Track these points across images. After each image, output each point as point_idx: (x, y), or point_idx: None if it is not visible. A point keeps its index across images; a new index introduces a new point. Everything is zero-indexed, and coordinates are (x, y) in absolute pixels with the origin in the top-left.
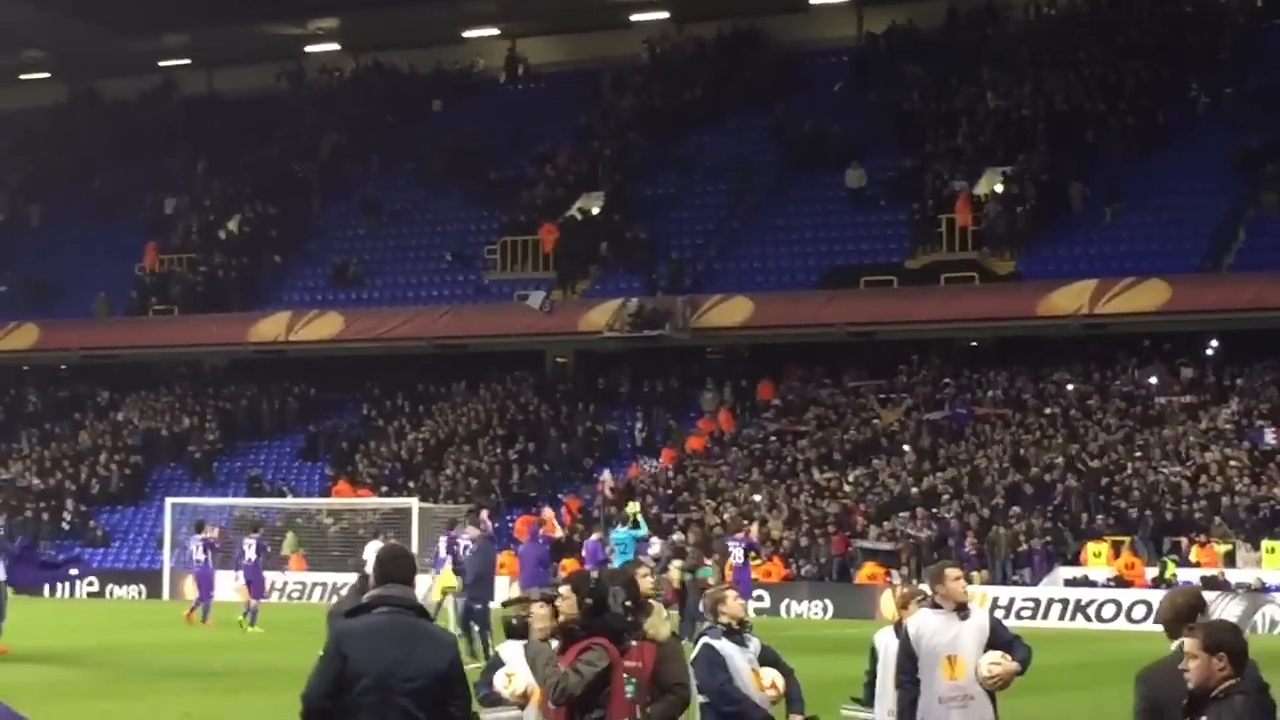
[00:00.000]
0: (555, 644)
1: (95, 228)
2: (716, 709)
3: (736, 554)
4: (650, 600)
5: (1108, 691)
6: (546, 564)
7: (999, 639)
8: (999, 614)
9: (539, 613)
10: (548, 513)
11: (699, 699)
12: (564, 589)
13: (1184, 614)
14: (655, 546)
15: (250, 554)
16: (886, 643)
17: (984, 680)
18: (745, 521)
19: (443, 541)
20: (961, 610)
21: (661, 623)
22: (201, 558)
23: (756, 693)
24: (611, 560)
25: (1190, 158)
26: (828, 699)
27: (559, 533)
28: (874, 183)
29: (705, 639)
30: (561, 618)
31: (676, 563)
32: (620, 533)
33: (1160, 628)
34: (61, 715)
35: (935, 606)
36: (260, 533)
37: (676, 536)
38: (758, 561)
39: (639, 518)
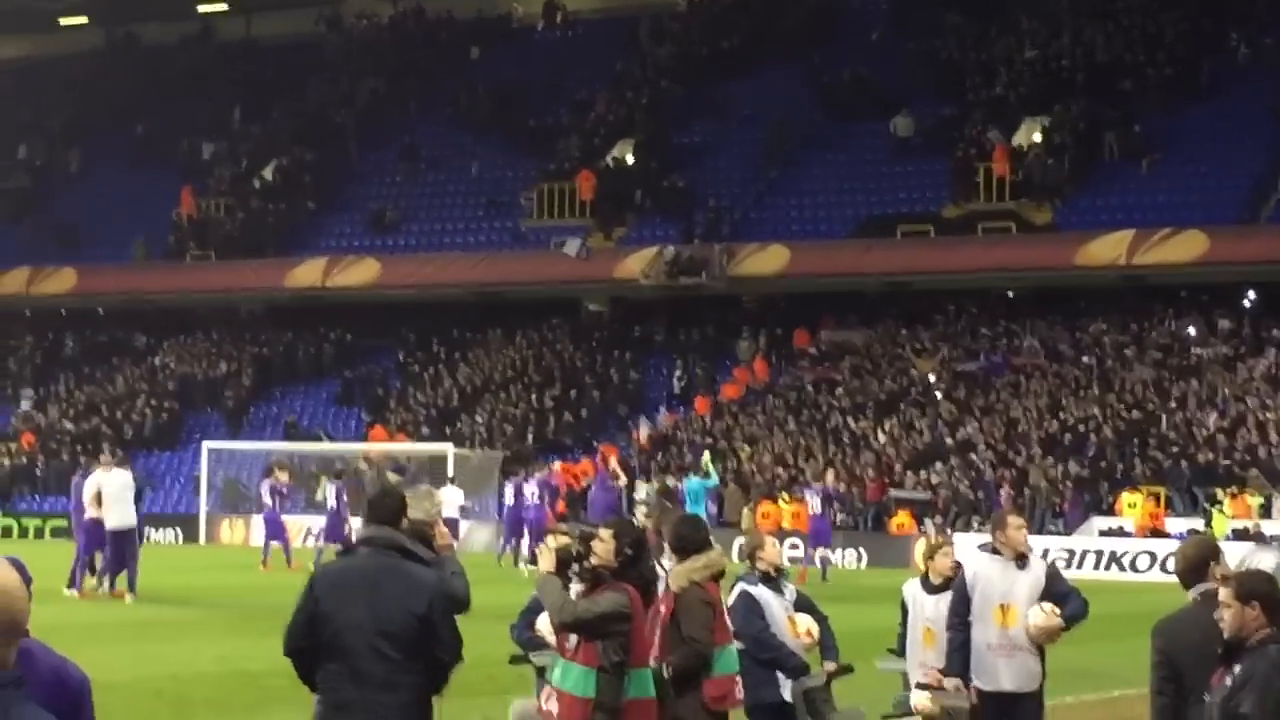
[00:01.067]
0: (577, 586)
1: (133, 173)
2: (753, 655)
3: (814, 503)
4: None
5: (1140, 643)
6: (616, 509)
7: (1054, 590)
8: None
9: (548, 549)
10: (613, 460)
11: (735, 645)
12: (605, 532)
13: (1195, 565)
14: (642, 492)
15: (331, 500)
16: (914, 594)
17: (1029, 632)
18: (822, 470)
19: (509, 487)
20: (1021, 560)
21: (681, 572)
22: (270, 502)
23: (792, 640)
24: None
25: (1229, 108)
26: (862, 648)
27: (623, 480)
28: (913, 132)
29: (742, 585)
30: (594, 560)
31: (642, 509)
32: (693, 482)
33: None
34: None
35: (995, 553)
36: (343, 479)
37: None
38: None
39: (711, 468)
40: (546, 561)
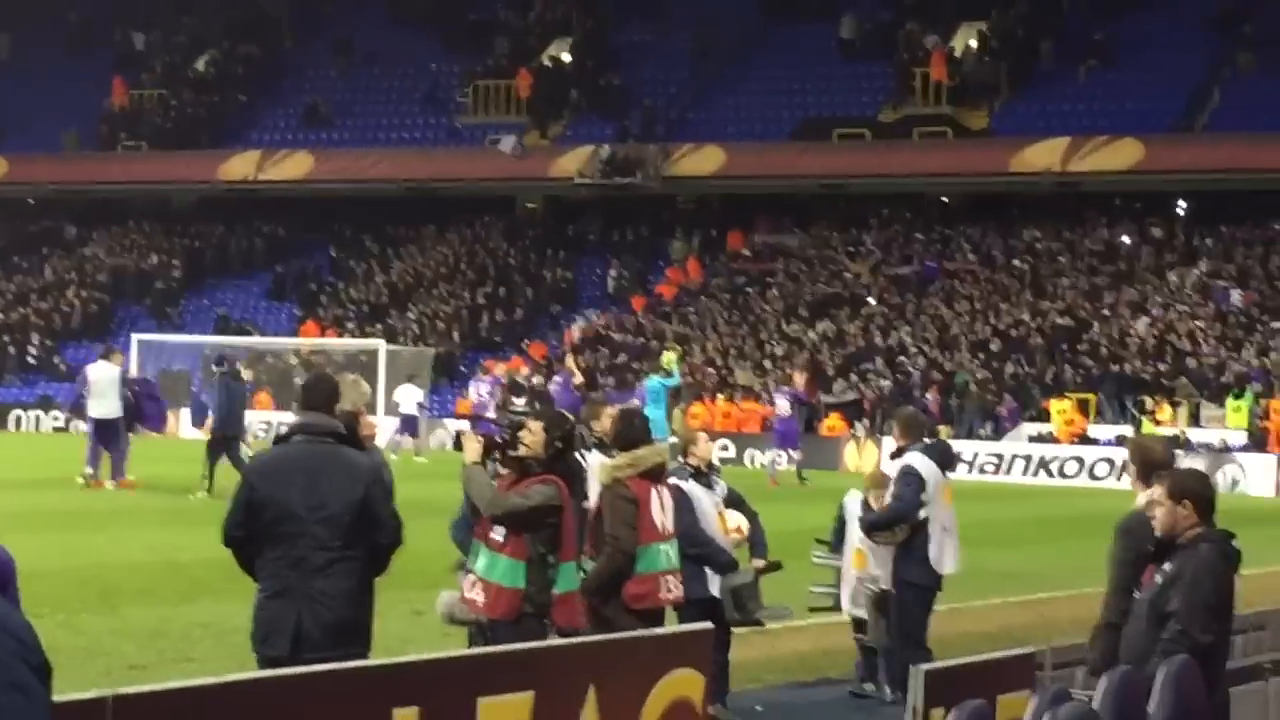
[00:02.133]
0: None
1: (64, 61)
2: (682, 550)
3: (782, 406)
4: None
5: (1069, 545)
6: (578, 411)
7: None
8: (962, 469)
9: (471, 438)
10: (570, 360)
11: (663, 544)
12: (535, 424)
13: (1162, 461)
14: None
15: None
16: (854, 513)
17: None
18: (791, 373)
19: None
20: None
21: (606, 468)
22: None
23: (721, 536)
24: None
25: (1167, 16)
26: (792, 546)
27: (580, 379)
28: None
29: (673, 480)
30: (523, 450)
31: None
32: (653, 381)
33: (1122, 483)
34: (21, 545)
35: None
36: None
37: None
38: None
39: (673, 366)
40: (472, 451)
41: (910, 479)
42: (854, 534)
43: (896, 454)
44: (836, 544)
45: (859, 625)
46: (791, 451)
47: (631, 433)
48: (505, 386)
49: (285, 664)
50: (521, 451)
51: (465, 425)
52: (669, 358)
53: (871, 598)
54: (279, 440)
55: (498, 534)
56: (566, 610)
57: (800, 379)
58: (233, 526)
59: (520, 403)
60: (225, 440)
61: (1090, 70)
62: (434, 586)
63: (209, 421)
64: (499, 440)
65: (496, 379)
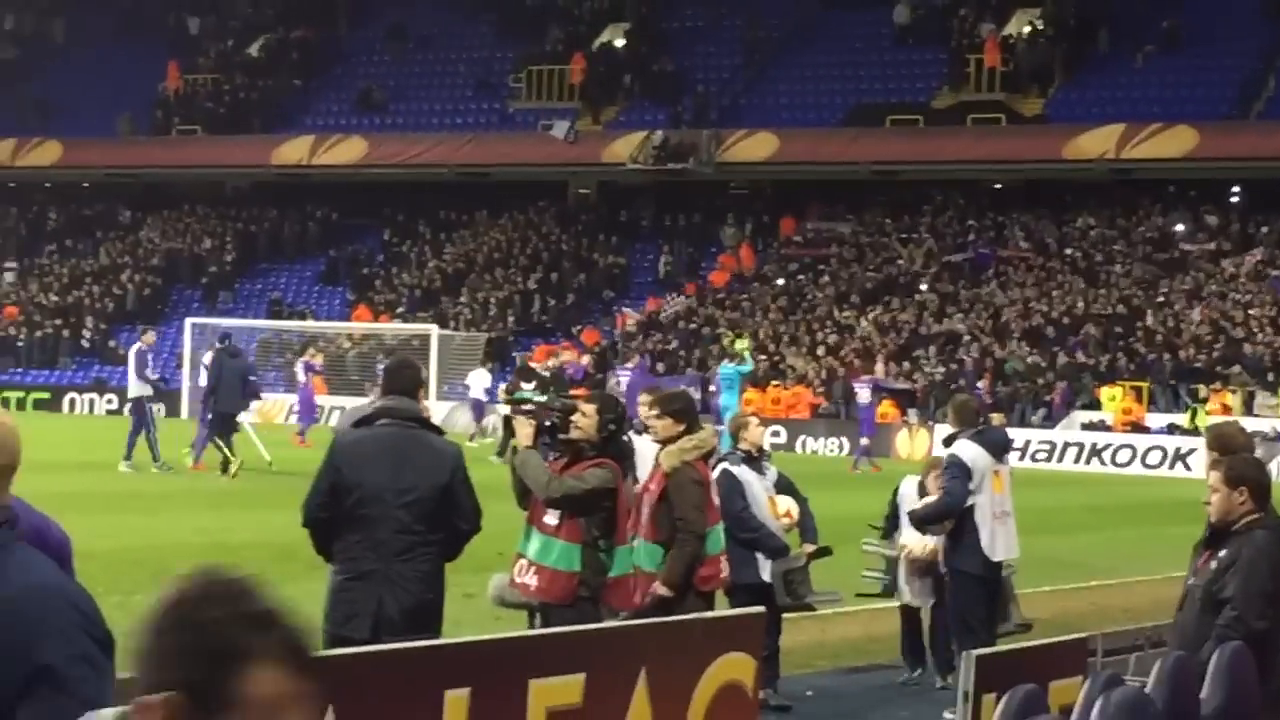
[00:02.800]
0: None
1: (118, 45)
2: (733, 535)
3: (863, 394)
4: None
5: (1122, 533)
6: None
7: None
8: (1014, 456)
9: (524, 424)
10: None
11: (721, 525)
12: (588, 406)
13: (1240, 450)
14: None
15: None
16: (909, 497)
17: None
18: (869, 362)
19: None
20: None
21: (672, 452)
22: (304, 379)
23: (772, 520)
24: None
25: (1223, 3)
26: (842, 532)
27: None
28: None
29: (725, 465)
30: (575, 433)
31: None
32: (727, 368)
33: (1175, 470)
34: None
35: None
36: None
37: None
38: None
39: (747, 354)
40: (525, 435)
41: (956, 470)
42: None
43: (949, 441)
44: (889, 530)
45: (908, 614)
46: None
47: (691, 415)
48: (518, 370)
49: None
50: (574, 434)
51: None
52: (742, 344)
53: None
54: (362, 423)
55: (552, 518)
56: (620, 593)
57: (881, 368)
58: (316, 508)
59: (529, 387)
60: (222, 418)
61: (1146, 57)
62: (485, 570)
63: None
64: (550, 424)
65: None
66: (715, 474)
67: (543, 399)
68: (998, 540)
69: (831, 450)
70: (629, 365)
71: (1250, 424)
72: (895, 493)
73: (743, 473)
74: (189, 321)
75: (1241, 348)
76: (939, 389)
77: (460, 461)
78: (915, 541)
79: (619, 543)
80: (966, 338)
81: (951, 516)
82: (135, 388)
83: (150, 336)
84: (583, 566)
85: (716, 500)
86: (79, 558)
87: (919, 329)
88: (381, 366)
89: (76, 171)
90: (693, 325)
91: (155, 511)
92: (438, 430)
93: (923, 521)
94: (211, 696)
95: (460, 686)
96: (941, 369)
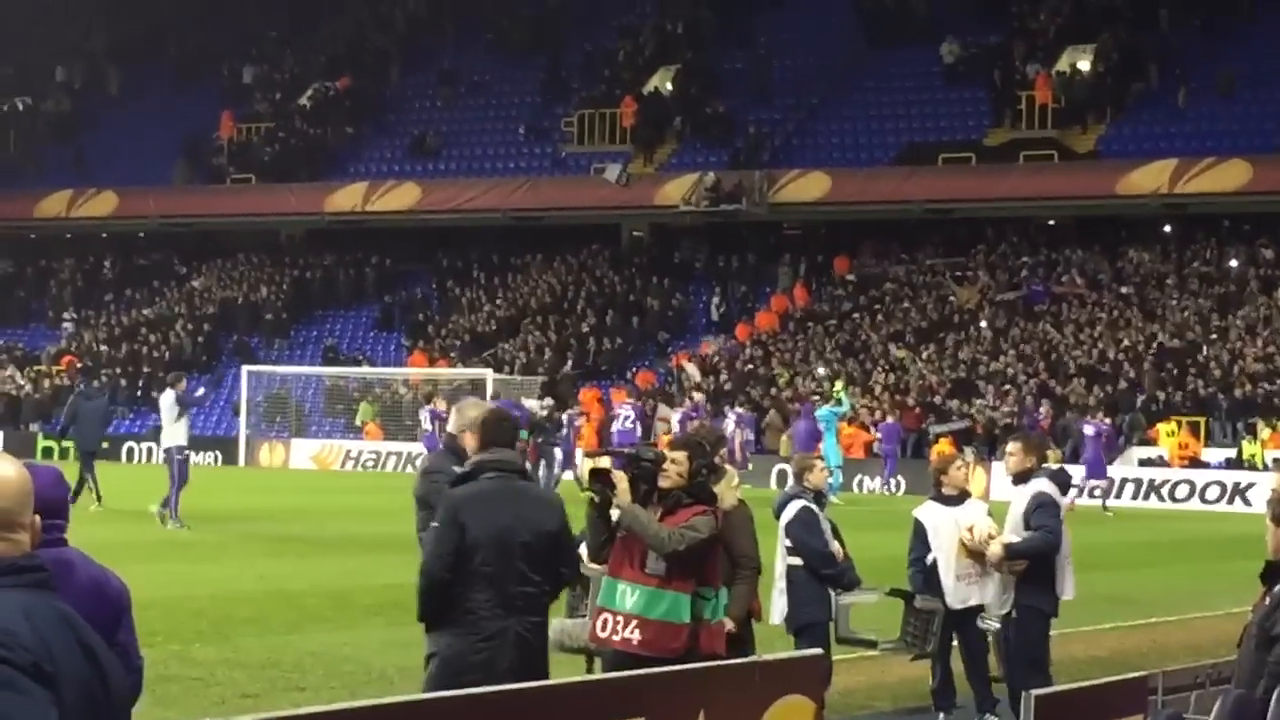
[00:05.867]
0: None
1: (173, 95)
2: (814, 570)
3: (1089, 434)
4: (724, 466)
5: (1181, 569)
6: (819, 438)
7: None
8: (1073, 493)
9: (622, 479)
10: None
11: (791, 560)
12: (678, 454)
13: None
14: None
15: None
16: (931, 517)
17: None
18: (1099, 410)
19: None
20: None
21: (729, 490)
22: (429, 428)
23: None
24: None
25: (1274, 37)
26: (881, 574)
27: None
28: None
29: (801, 501)
30: (666, 482)
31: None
32: (824, 410)
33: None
34: (138, 574)
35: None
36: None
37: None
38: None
39: (844, 395)
40: (624, 489)
41: (1053, 508)
42: (943, 536)
43: (1020, 478)
44: (920, 577)
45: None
46: (1098, 482)
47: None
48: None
49: None
50: (665, 483)
51: (603, 460)
52: (840, 386)
53: (994, 638)
54: (464, 478)
55: (658, 568)
56: (713, 637)
57: (1101, 413)
58: (441, 569)
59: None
60: (85, 455)
61: (1190, 93)
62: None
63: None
64: (639, 473)
65: (637, 407)
66: (795, 510)
67: (630, 451)
68: (1067, 579)
69: (888, 489)
70: (680, 409)
71: None
72: (918, 529)
73: (817, 510)
74: (245, 369)
75: None
76: (995, 426)
77: (564, 509)
78: (983, 525)
79: (718, 586)
80: (1022, 376)
81: (1051, 554)
82: (167, 436)
83: (182, 384)
84: (692, 616)
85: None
86: (139, 607)
87: (975, 367)
88: (428, 410)
89: (132, 222)
90: (749, 367)
91: (214, 560)
92: (531, 479)
93: (1021, 556)
94: None
95: None
96: (998, 407)
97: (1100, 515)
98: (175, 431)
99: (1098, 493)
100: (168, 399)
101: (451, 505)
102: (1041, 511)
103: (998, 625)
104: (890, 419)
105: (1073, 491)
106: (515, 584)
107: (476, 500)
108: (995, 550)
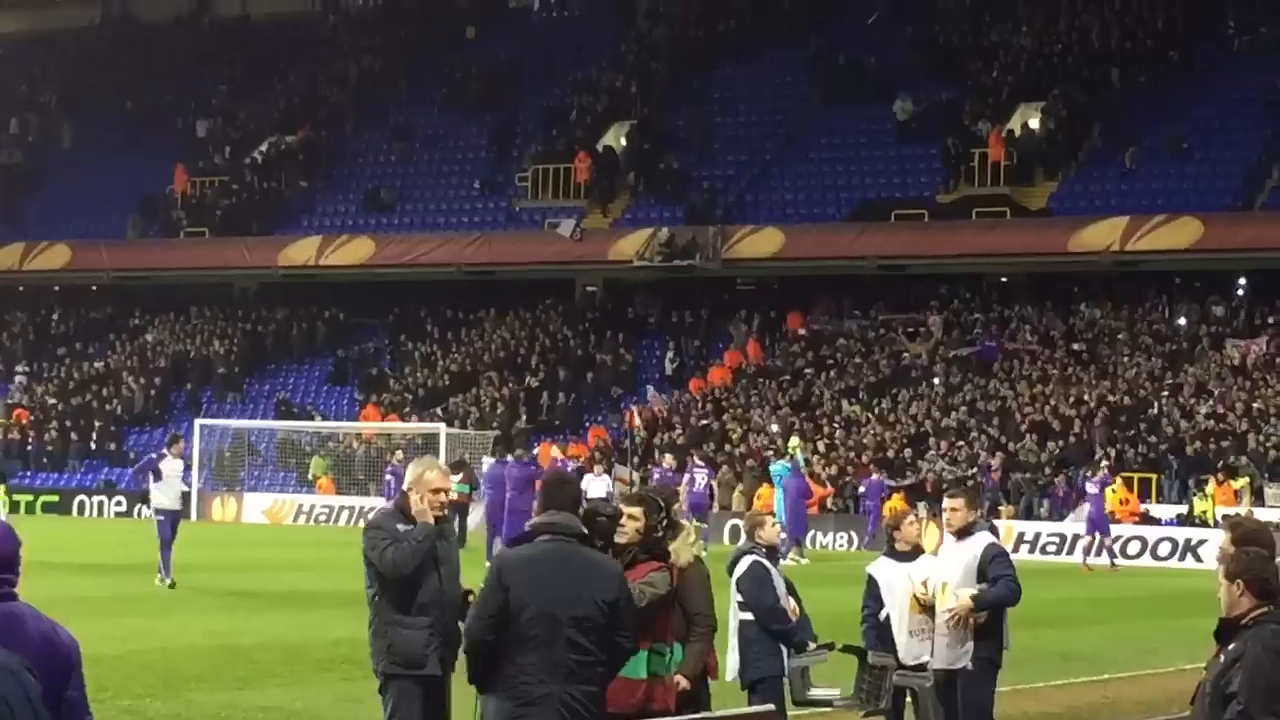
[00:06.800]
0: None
1: (127, 149)
2: (764, 626)
3: (1092, 492)
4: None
5: (1133, 625)
6: (808, 495)
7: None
8: (1024, 549)
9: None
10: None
11: (743, 616)
12: (635, 509)
13: (1251, 540)
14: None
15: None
16: (884, 573)
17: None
18: (1102, 464)
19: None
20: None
21: (686, 547)
22: (391, 481)
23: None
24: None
25: (1225, 96)
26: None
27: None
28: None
29: (753, 557)
30: (623, 538)
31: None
32: (778, 465)
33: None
34: (88, 629)
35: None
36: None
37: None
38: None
39: (797, 452)
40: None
41: (1006, 558)
42: (896, 592)
43: (964, 533)
44: (872, 635)
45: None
46: (1107, 539)
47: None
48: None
49: None
50: (622, 539)
51: None
52: (795, 443)
53: (934, 687)
54: (521, 539)
55: None
56: (667, 694)
57: (1103, 467)
58: (483, 630)
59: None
60: None
61: (1138, 154)
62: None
63: None
64: (595, 529)
65: (709, 469)
66: (746, 565)
67: (586, 507)
68: (1008, 630)
69: (841, 545)
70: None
71: (1261, 514)
72: (870, 585)
73: (769, 565)
74: (198, 423)
75: (1247, 438)
76: (947, 483)
77: (625, 578)
78: (959, 598)
79: (671, 641)
80: (974, 432)
81: (1014, 604)
82: (155, 498)
83: (179, 447)
84: (649, 671)
85: (738, 596)
86: (88, 662)
87: (926, 423)
88: (390, 466)
89: (85, 275)
90: (703, 423)
91: (165, 614)
92: (594, 545)
93: (988, 607)
94: None
95: None
96: (950, 464)
97: (1109, 572)
98: (160, 493)
99: (1112, 549)
100: (176, 465)
101: (497, 567)
102: (998, 561)
103: (930, 682)
104: (876, 475)
105: (1078, 550)
106: (564, 650)
107: (525, 564)
108: (965, 602)
